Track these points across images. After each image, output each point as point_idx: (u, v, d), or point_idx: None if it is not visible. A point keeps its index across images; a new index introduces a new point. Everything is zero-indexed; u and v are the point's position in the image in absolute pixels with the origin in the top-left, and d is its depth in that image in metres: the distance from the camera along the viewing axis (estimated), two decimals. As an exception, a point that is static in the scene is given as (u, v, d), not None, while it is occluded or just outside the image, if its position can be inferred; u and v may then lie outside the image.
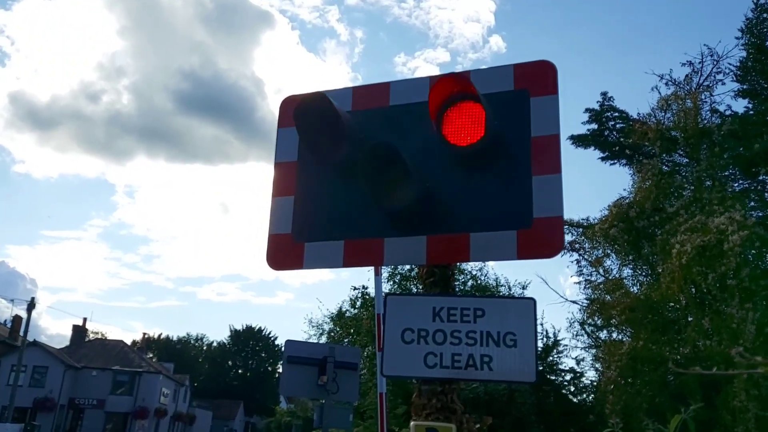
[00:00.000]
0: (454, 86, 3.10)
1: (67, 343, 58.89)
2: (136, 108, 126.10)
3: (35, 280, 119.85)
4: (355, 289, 26.15)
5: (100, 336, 70.19)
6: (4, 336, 48.72)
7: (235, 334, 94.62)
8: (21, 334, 39.38)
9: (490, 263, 24.92)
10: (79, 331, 59.43)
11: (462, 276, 24.51)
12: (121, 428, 52.28)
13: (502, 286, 25.63)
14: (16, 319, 49.61)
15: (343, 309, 27.52)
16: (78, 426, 51.49)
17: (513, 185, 3.11)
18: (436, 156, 3.24)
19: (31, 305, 35.59)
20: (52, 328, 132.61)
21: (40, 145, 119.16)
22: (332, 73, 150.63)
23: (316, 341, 25.97)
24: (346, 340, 24.73)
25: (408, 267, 22.23)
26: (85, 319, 61.10)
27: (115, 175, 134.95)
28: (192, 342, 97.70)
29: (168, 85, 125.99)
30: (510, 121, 3.20)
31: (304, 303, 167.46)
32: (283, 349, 8.55)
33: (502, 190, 3.13)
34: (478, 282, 25.12)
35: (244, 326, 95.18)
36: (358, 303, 25.83)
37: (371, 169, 3.05)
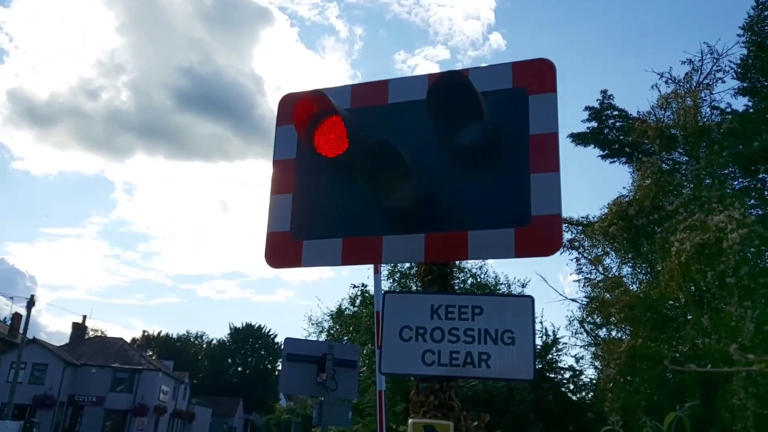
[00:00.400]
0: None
1: (66, 340, 58.96)
2: (135, 105, 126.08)
3: (35, 278, 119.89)
4: (354, 287, 26.17)
5: (99, 333, 70.27)
6: (3, 333, 48.78)
7: (235, 332, 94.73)
8: (21, 331, 39.41)
9: (490, 261, 24.92)
10: (79, 329, 59.45)
11: (462, 274, 24.54)
12: (121, 426, 52.34)
13: (501, 284, 25.66)
14: (16, 316, 49.67)
15: (343, 307, 27.55)
16: (77, 423, 51.55)
17: (511, 183, 3.12)
18: (434, 154, 3.25)
19: (30, 302, 35.63)
20: (52, 326, 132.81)
21: (39, 142, 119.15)
22: (331, 70, 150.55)
23: (315, 339, 26.00)
24: (345, 338, 24.75)
25: (408, 265, 22.23)
26: (84, 317, 61.18)
27: (114, 173, 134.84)
28: (192, 339, 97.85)
29: (167, 82, 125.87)
30: (508, 119, 3.21)
31: (304, 300, 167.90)
32: (282, 346, 8.57)
33: (501, 188, 3.14)
34: (479, 280, 25.14)
35: (244, 324, 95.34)
36: (358, 301, 25.85)
37: (370, 167, 3.06)
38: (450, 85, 3.00)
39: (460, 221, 3.15)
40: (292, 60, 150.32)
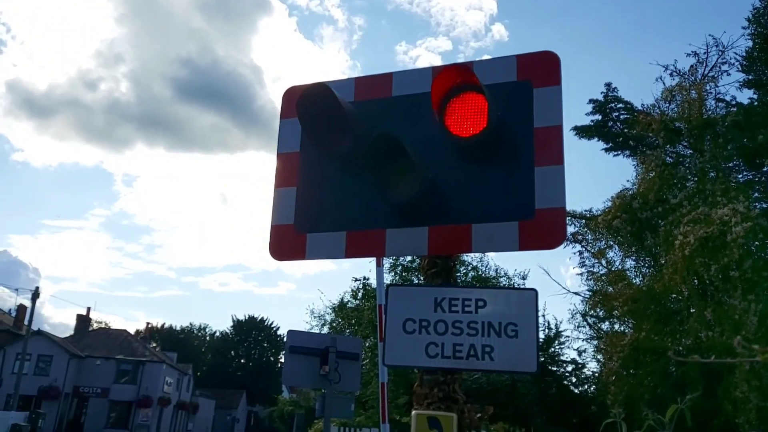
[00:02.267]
0: (457, 77, 3.12)
1: (70, 332, 59.31)
2: (135, 96, 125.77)
3: (38, 270, 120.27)
4: (356, 280, 26.26)
5: (103, 325, 70.55)
6: (8, 325, 49.02)
7: (238, 324, 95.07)
8: (25, 323, 39.60)
9: (491, 254, 24.94)
10: (83, 321, 59.78)
11: (463, 267, 24.56)
12: (125, 417, 52.64)
13: (502, 276, 25.68)
14: (21, 308, 49.91)
15: (345, 300, 27.64)
16: (83, 414, 51.87)
17: (515, 176, 3.12)
18: (438, 147, 3.24)
19: (35, 294, 35.78)
20: (55, 317, 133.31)
21: (39, 133, 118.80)
22: (331, 61, 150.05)
23: (318, 332, 26.07)
24: (347, 331, 24.83)
25: (410, 258, 22.27)
26: (89, 309, 61.41)
27: (114, 164, 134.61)
28: (195, 332, 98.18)
29: (166, 72, 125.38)
30: (512, 111, 3.20)
31: (306, 293, 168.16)
32: (285, 339, 8.60)
33: (505, 181, 3.14)
34: (479, 273, 25.17)
35: (246, 316, 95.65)
36: (360, 294, 25.91)
37: (374, 160, 3.06)
38: (455, 78, 2.99)
39: (464, 214, 3.15)
40: (291, 50, 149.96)
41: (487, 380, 18.10)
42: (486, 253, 24.48)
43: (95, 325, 65.85)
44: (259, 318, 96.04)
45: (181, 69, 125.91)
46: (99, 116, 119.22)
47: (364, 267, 32.06)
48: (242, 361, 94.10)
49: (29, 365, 44.32)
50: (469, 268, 25.02)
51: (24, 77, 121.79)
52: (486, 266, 25.85)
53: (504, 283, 24.98)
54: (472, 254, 24.34)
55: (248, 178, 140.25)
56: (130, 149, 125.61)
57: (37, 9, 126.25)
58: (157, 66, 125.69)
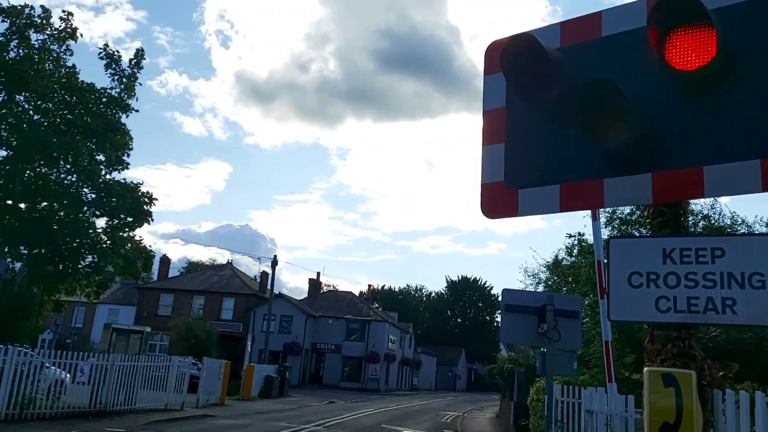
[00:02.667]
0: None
1: (304, 295, 66.13)
2: (342, 73, 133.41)
3: (274, 240, 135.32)
4: (570, 236, 25.25)
5: (332, 288, 77.36)
6: (254, 290, 56.20)
7: (452, 285, 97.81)
8: (268, 287, 44.92)
9: (724, 199, 22.32)
10: (314, 285, 66.34)
11: (691, 217, 22.30)
12: (357, 370, 57.60)
13: (738, 225, 22.81)
14: (263, 274, 56.83)
15: (559, 257, 26.85)
16: (321, 368, 57.93)
17: (755, 108, 2.74)
18: (660, 85, 2.96)
19: (274, 262, 40.24)
20: (291, 282, 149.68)
21: (264, 117, 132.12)
22: (529, 9, 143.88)
23: (532, 290, 25.76)
24: (564, 289, 24.15)
25: (627, 210, 20.83)
26: (318, 273, 67.84)
27: (328, 139, 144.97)
28: (412, 292, 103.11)
29: (367, 45, 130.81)
30: (749, 35, 2.79)
31: (517, 252, 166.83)
32: (500, 298, 8.65)
33: (741, 115, 2.77)
34: (711, 222, 22.66)
35: (460, 277, 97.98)
36: (575, 251, 24.93)
37: (586, 107, 2.91)
38: (675, 5, 2.70)
39: (693, 156, 2.85)
40: (487, 4, 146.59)
41: (726, 338, 16.40)
42: (718, 199, 22.00)
43: (324, 288, 72.53)
44: (472, 278, 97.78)
45: (381, 40, 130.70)
46: (312, 96, 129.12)
47: (578, 223, 30.79)
48: (458, 320, 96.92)
49: (274, 324, 50.32)
50: (699, 217, 22.67)
51: (248, 67, 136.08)
52: (719, 214, 23.10)
53: (743, 232, 22.24)
54: (701, 201, 22.03)
55: (450, 142, 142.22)
56: (341, 124, 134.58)
57: (253, 1, 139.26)
58: (359, 40, 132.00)
